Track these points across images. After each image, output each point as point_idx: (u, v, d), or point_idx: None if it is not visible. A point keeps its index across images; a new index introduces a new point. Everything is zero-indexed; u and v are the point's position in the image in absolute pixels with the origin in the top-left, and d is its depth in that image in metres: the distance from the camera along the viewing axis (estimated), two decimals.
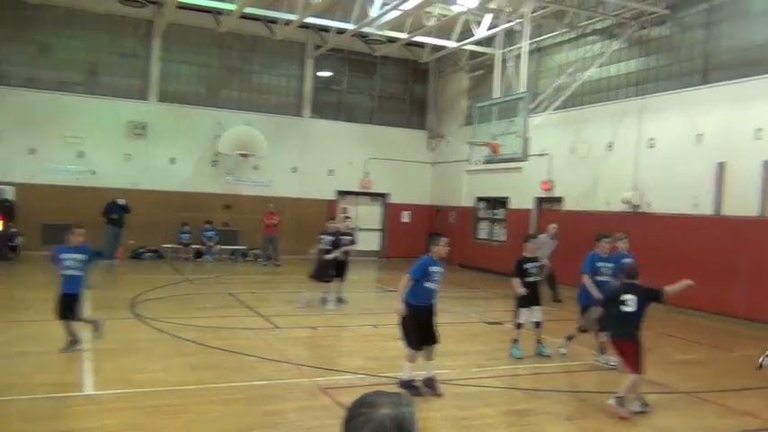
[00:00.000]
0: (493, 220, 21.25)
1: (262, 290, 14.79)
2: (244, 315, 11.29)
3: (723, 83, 13.60)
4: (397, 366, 7.33)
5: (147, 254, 19.32)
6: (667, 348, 9.94)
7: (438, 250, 7.07)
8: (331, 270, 12.24)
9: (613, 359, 8.22)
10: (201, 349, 8.51)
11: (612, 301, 6.86)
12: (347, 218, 14.25)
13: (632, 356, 6.60)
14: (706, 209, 13.60)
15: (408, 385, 6.83)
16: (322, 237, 12.36)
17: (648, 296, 6.74)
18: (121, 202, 17.98)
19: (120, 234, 18.04)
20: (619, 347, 6.80)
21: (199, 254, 19.70)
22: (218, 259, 19.87)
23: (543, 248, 14.19)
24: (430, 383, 6.97)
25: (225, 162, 20.56)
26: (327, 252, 12.12)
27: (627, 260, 8.88)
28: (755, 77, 12.86)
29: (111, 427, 5.64)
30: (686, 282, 6.86)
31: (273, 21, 19.64)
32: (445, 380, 7.51)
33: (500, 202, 20.68)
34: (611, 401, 6.49)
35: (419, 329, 6.91)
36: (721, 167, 13.36)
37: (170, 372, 7.40)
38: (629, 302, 6.65)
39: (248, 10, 17.54)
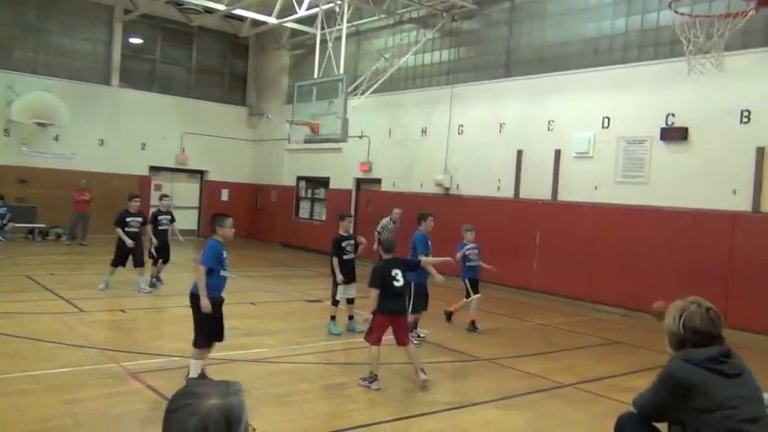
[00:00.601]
0: (313, 200, 21.45)
1: (63, 271, 13.66)
2: (42, 299, 10.37)
3: (522, 77, 14.87)
4: (215, 347, 7.21)
5: None
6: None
7: (225, 233, 6.41)
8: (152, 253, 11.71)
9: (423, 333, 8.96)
10: None
11: (384, 279, 6.78)
12: (165, 196, 13.31)
13: (407, 329, 6.96)
14: (507, 192, 14.86)
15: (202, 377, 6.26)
16: (129, 219, 11.24)
17: (408, 266, 7.16)
18: None
19: None
20: (398, 322, 6.84)
21: None
22: (12, 239, 17.98)
23: (386, 231, 14.47)
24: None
25: (19, 131, 18.58)
26: (135, 235, 11.23)
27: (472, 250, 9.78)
28: (549, 74, 14.24)
29: None
30: (445, 258, 7.67)
31: None
32: (263, 358, 7.55)
33: (321, 182, 20.91)
34: (423, 378, 6.72)
35: (213, 324, 6.29)
36: (520, 155, 14.65)
37: None
38: (398, 276, 6.82)
39: None
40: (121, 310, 9.93)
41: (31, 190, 18.95)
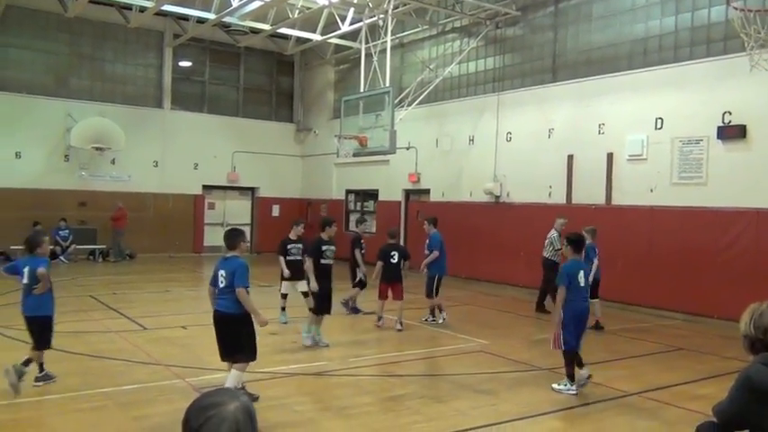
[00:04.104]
0: (363, 212, 21.53)
1: (125, 290, 14.05)
2: (107, 318, 10.71)
3: (570, 81, 14.68)
4: (277, 361, 7.32)
5: None
6: (530, 329, 10.66)
7: (244, 248, 6.45)
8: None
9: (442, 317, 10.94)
10: (63, 356, 7.96)
11: (385, 256, 10.35)
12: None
13: (401, 291, 10.31)
14: (559, 198, 14.65)
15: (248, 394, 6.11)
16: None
17: (404, 255, 10.51)
18: None
19: None
20: (393, 287, 10.30)
21: (53, 255, 18.32)
22: (75, 260, 18.62)
23: (553, 245, 12.24)
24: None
25: (78, 156, 19.29)
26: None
27: None
28: (597, 77, 14.02)
29: None
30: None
31: (127, 7, 18.64)
32: (323, 371, 7.62)
33: (370, 195, 21.01)
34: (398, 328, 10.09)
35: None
36: (570, 159, 14.44)
37: (27, 382, 6.86)
38: (394, 257, 10.32)
39: None
40: (182, 327, 10.15)
41: (90, 212, 19.61)
